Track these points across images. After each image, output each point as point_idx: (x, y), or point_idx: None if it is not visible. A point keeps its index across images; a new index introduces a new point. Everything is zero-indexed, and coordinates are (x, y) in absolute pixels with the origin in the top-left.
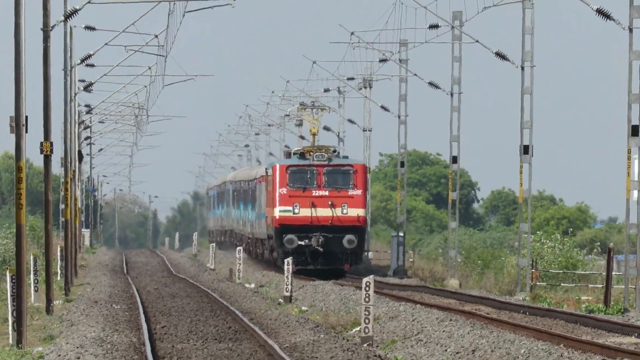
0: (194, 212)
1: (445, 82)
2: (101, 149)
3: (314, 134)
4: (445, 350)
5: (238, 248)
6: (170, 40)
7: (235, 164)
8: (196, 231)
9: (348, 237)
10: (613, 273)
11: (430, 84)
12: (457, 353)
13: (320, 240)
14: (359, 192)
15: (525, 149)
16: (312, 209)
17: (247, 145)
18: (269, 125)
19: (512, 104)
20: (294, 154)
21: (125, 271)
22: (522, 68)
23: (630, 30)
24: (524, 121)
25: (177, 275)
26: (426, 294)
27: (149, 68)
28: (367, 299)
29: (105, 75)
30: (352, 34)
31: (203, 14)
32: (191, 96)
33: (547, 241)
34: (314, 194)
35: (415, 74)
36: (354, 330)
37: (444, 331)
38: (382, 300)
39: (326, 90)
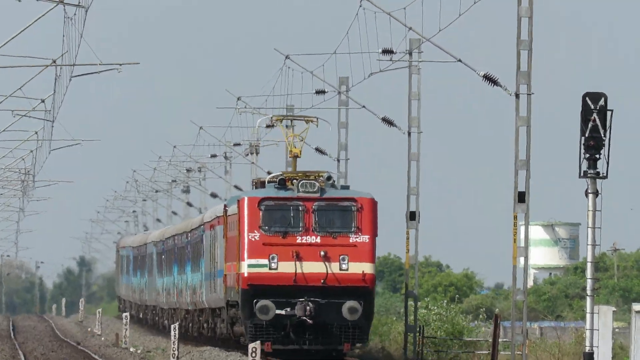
0: (80, 279)
1: (332, 148)
2: None
3: (295, 156)
4: None
5: (124, 314)
6: (57, 105)
7: (122, 229)
8: (82, 298)
9: (349, 304)
10: (500, 339)
11: (317, 150)
12: None
13: (308, 308)
14: (365, 238)
15: (412, 215)
16: (297, 262)
17: (134, 211)
18: (156, 191)
19: (400, 170)
20: (270, 182)
21: (12, 336)
22: (409, 134)
23: (517, 96)
24: (410, 187)
25: (65, 340)
26: None
27: (36, 133)
28: None
29: None
30: (239, 99)
31: (89, 78)
32: (78, 161)
33: (434, 307)
34: (299, 241)
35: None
36: None
37: None
38: None
39: (213, 156)
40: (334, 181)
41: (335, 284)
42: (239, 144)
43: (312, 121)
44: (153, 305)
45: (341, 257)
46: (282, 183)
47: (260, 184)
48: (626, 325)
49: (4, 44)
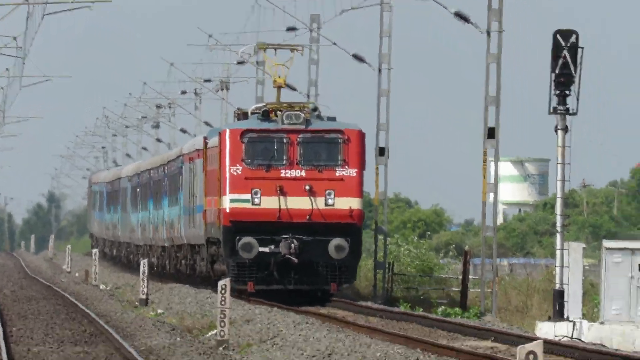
0: (49, 215)
1: (302, 85)
2: None
3: (279, 86)
4: (302, 353)
5: (94, 250)
6: (29, 43)
7: (92, 165)
8: (52, 234)
9: (336, 241)
10: (469, 276)
11: (288, 86)
12: (313, 357)
13: (293, 246)
14: (352, 172)
15: (381, 151)
16: (281, 197)
17: (103, 147)
18: (126, 127)
19: (370, 106)
20: (253, 113)
21: None
22: (380, 70)
23: (488, 33)
24: (380, 123)
25: (34, 277)
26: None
27: (7, 70)
28: (223, 302)
29: None
30: (210, 36)
31: (61, 16)
32: (49, 98)
33: (404, 244)
34: (283, 175)
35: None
36: (210, 333)
37: (300, 335)
38: (238, 303)
39: (183, 92)
40: (320, 112)
41: (321, 220)
42: (209, 80)
43: (297, 49)
44: (127, 242)
45: (327, 191)
46: (265, 114)
47: (242, 116)
48: (596, 262)
49: None
